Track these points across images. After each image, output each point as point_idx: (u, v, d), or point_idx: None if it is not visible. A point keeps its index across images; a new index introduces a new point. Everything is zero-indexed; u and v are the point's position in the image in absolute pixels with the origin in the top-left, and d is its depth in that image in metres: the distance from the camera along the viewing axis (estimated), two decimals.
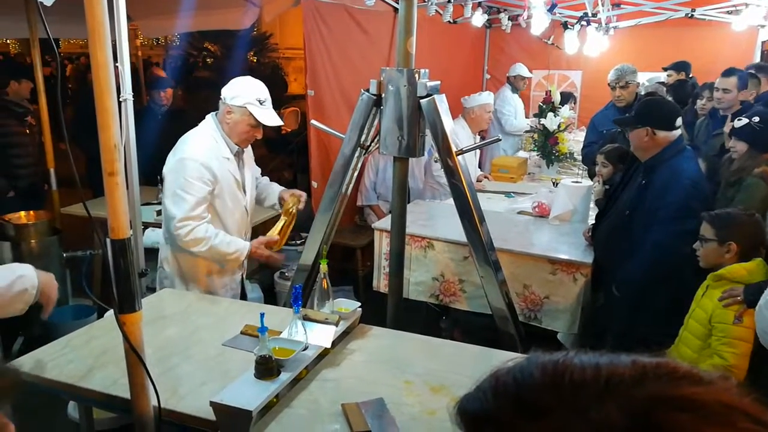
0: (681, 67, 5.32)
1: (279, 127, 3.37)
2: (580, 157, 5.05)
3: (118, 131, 1.40)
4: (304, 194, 3.02)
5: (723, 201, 3.06)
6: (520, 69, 6.46)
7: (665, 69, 5.46)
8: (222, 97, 2.75)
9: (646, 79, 5.55)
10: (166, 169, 2.74)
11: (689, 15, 6.11)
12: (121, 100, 2.67)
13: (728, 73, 3.83)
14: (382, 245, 3.53)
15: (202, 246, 2.67)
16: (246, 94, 2.70)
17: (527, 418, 0.51)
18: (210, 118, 2.80)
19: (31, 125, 4.67)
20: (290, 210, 2.91)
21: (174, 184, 2.67)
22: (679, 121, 2.78)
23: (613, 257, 2.92)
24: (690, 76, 5.25)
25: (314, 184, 4.23)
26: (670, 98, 4.10)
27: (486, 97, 4.76)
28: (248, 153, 2.96)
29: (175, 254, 2.83)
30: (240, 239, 2.85)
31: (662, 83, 5.26)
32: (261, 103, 2.71)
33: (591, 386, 0.51)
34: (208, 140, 2.74)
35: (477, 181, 4.75)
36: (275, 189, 3.11)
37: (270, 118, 2.74)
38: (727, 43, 6.26)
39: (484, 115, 4.71)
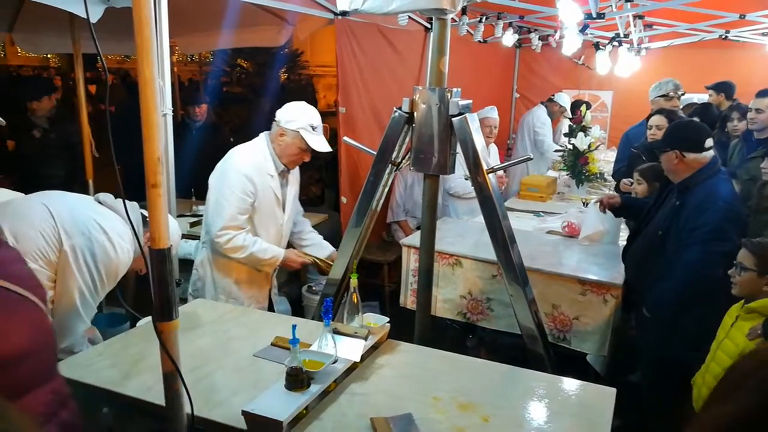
0: (722, 88, 5.19)
1: None
2: (610, 177, 5.00)
3: (162, 144, 1.45)
4: None
5: (756, 227, 3.00)
6: (565, 101, 6.33)
7: (708, 88, 5.35)
8: (276, 119, 2.87)
9: None
10: (213, 178, 2.87)
11: (723, 36, 6.05)
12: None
13: (763, 93, 3.78)
14: (410, 261, 3.55)
15: (241, 253, 2.82)
16: (300, 120, 2.82)
17: None
18: (263, 136, 2.92)
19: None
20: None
21: (218, 192, 2.80)
22: (708, 143, 2.74)
23: (645, 278, 2.89)
24: (734, 98, 5.10)
25: (343, 199, 4.28)
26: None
27: (487, 111, 4.65)
28: (294, 174, 3.05)
29: (210, 259, 2.93)
30: (276, 246, 2.96)
31: (708, 104, 5.16)
32: (313, 129, 2.82)
33: None
34: (256, 156, 2.86)
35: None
36: (320, 244, 3.25)
37: (320, 144, 2.85)
38: (762, 64, 6.18)
39: (483, 129, 4.56)
